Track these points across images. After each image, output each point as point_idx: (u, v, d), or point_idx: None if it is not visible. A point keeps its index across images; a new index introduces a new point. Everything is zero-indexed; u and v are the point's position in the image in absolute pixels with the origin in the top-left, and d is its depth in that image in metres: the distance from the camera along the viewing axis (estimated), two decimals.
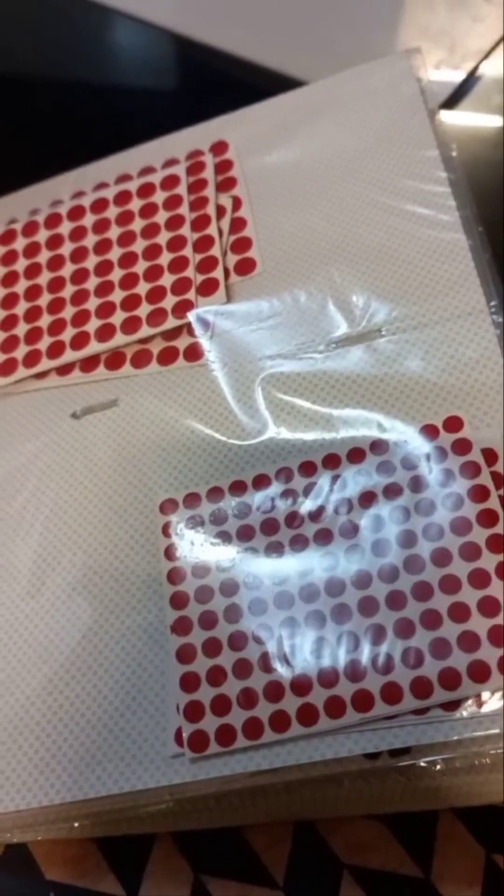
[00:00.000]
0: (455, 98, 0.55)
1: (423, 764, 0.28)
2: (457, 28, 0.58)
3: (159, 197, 0.41)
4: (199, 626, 0.31)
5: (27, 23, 0.64)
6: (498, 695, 0.27)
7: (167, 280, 0.39)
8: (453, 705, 0.27)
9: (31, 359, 0.39)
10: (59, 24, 0.64)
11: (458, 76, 0.56)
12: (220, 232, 0.40)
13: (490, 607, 0.28)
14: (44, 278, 0.41)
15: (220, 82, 0.56)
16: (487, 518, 0.29)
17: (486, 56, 0.57)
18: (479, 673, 0.27)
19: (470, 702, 0.27)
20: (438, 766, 0.28)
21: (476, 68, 0.56)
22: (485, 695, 0.27)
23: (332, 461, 0.33)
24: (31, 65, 0.62)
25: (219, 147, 0.43)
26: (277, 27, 0.58)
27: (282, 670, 0.29)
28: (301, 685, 0.29)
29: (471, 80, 0.55)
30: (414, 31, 0.59)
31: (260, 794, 0.31)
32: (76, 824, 0.31)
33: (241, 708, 0.29)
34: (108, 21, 0.62)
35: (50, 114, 0.59)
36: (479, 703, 0.27)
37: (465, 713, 0.27)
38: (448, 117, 0.52)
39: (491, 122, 0.54)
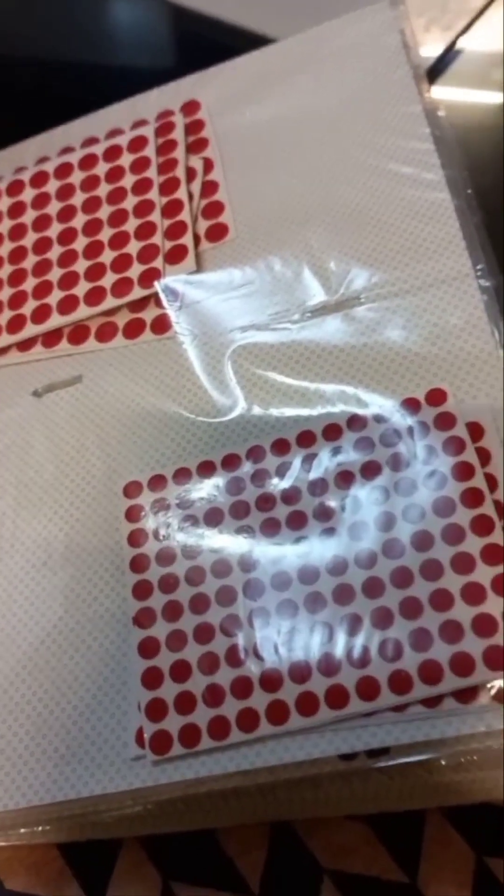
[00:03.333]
0: (441, 66, 0.52)
1: (404, 763, 0.26)
2: None
3: (126, 160, 0.39)
4: (163, 617, 0.29)
5: None
6: (484, 690, 0.25)
7: (133, 248, 0.36)
8: (435, 701, 0.25)
9: None
10: None
11: (448, 37, 0.53)
12: (191, 196, 0.37)
13: (474, 594, 0.26)
14: (4, 249, 0.39)
15: (192, 43, 0.53)
16: (472, 497, 0.27)
17: (475, 19, 0.54)
18: (463, 665, 0.25)
19: (453, 697, 0.25)
20: (423, 766, 0.26)
21: (463, 32, 0.53)
22: (469, 689, 0.25)
23: (306, 439, 0.30)
24: None
25: (190, 107, 0.40)
26: None
27: (250, 664, 0.27)
28: (271, 680, 0.26)
29: (455, 52, 0.52)
30: None
31: (232, 796, 0.29)
32: (37, 829, 0.29)
33: (207, 706, 0.27)
34: None
35: (13, 78, 0.56)
36: (464, 699, 0.25)
37: (448, 710, 0.25)
38: (440, 92, 0.50)
39: (485, 96, 0.51)
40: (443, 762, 0.26)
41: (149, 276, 0.35)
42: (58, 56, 0.57)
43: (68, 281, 0.37)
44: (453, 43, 0.53)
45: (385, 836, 0.31)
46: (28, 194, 0.40)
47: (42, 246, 0.38)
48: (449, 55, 0.52)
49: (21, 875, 0.31)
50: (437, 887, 0.30)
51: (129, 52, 0.56)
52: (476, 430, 0.28)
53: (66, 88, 0.54)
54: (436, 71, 0.51)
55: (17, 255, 0.38)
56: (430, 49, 0.52)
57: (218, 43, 0.52)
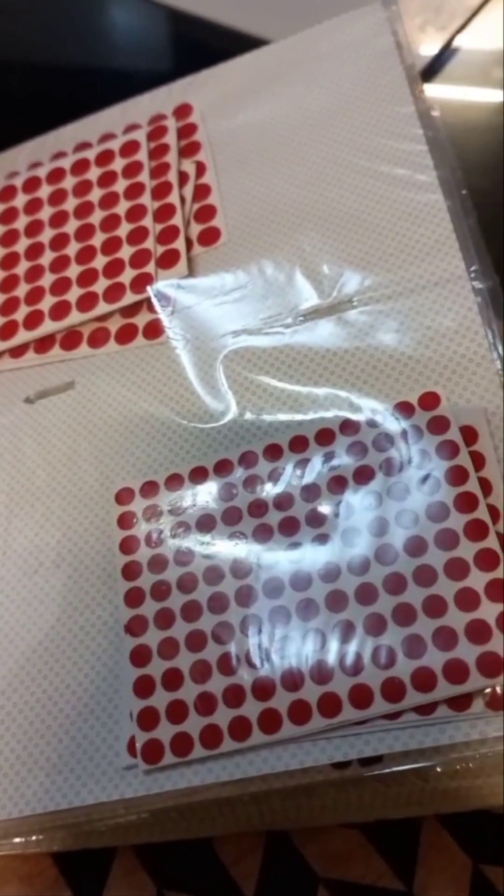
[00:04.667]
0: (438, 64, 0.52)
1: (397, 771, 0.26)
2: None
3: (118, 164, 0.39)
4: (155, 625, 0.28)
5: None
6: (478, 697, 0.25)
7: (126, 252, 0.36)
8: (429, 708, 0.25)
9: None
10: None
11: (445, 38, 0.53)
12: (183, 200, 0.37)
13: (468, 601, 0.25)
14: None
15: (185, 45, 0.53)
16: (466, 502, 0.27)
17: (471, 17, 0.54)
18: (457, 673, 0.25)
19: (447, 705, 0.25)
20: (418, 774, 0.26)
21: (460, 30, 0.53)
22: (463, 696, 0.25)
23: (299, 444, 0.30)
24: None
25: (182, 110, 0.40)
26: None
27: (243, 672, 0.27)
28: (263, 688, 0.26)
29: (451, 50, 0.52)
30: None
31: (225, 805, 0.29)
32: (31, 838, 0.29)
33: (199, 714, 0.27)
34: None
35: (13, 79, 0.56)
36: (458, 706, 0.25)
37: (441, 717, 0.25)
38: (440, 90, 0.49)
39: (485, 94, 0.50)
40: (437, 769, 0.26)
41: (141, 281, 0.35)
42: (52, 59, 0.57)
43: (61, 286, 0.36)
44: (450, 41, 0.52)
45: (381, 844, 0.31)
46: (20, 199, 0.40)
47: (34, 251, 0.38)
48: (446, 54, 0.52)
49: (15, 884, 0.31)
50: (434, 895, 0.30)
51: (122, 55, 0.56)
52: (470, 434, 0.28)
53: (60, 92, 0.54)
54: (433, 70, 0.51)
55: (9, 260, 0.38)
56: (426, 49, 0.52)
57: (211, 45, 0.51)
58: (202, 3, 0.54)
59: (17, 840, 0.29)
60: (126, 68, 0.55)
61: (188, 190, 0.37)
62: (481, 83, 0.50)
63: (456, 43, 0.52)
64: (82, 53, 0.57)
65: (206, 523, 0.30)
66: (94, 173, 0.39)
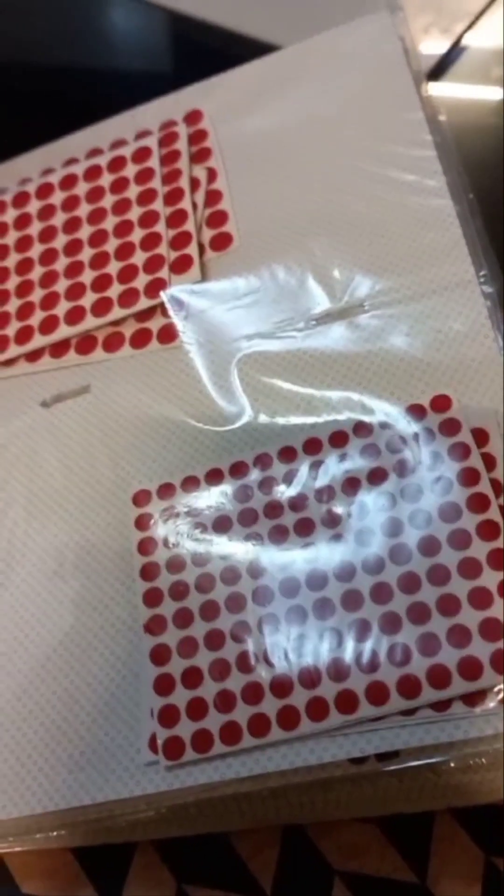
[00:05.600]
0: (445, 64, 0.52)
1: (413, 766, 0.26)
2: None
3: (130, 171, 0.39)
4: (174, 624, 0.29)
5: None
6: (492, 693, 0.25)
7: (139, 258, 0.37)
8: (444, 705, 0.25)
9: None
10: None
11: (448, 40, 0.53)
12: (195, 206, 0.37)
13: (481, 599, 0.26)
14: (11, 260, 0.39)
15: (193, 51, 0.54)
16: (478, 503, 0.27)
17: (478, 17, 0.54)
18: (471, 670, 0.25)
19: (461, 701, 0.25)
20: (432, 768, 0.27)
21: (468, 29, 0.53)
22: (477, 693, 0.25)
23: (313, 446, 0.31)
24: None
25: (192, 116, 0.40)
26: None
27: (261, 670, 0.27)
28: (281, 686, 0.27)
29: (458, 49, 0.53)
30: None
31: (244, 800, 0.29)
32: (52, 834, 0.30)
33: (219, 711, 0.27)
34: None
35: (20, 83, 0.56)
36: (472, 702, 0.25)
37: (456, 713, 0.25)
38: (441, 89, 0.50)
39: (485, 92, 0.51)
40: (451, 764, 0.26)
41: (155, 287, 0.36)
42: (60, 65, 0.57)
43: (75, 292, 0.37)
44: (458, 41, 0.53)
45: (395, 837, 0.31)
46: (34, 206, 0.40)
47: (48, 257, 0.39)
48: (452, 53, 0.52)
49: (36, 879, 0.32)
50: (447, 887, 0.30)
51: (131, 61, 0.56)
52: (481, 436, 0.29)
53: (68, 98, 0.54)
54: (438, 70, 0.52)
55: (24, 266, 0.39)
56: (430, 49, 0.52)
57: (219, 51, 0.52)
58: (209, 8, 0.54)
59: (38, 836, 0.30)
60: (132, 73, 0.56)
61: (200, 195, 0.38)
62: (481, 81, 0.51)
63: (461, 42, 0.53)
64: (88, 58, 0.57)
65: (222, 524, 0.30)
66: (106, 179, 0.40)
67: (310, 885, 0.31)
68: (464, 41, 0.52)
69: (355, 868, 0.31)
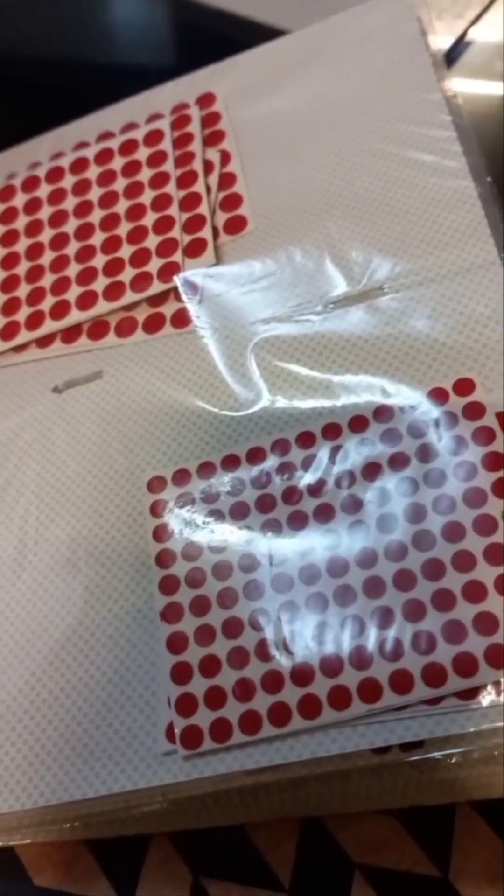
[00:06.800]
0: (450, 58, 0.51)
1: (437, 756, 0.26)
2: None
3: (142, 154, 0.39)
4: (191, 612, 0.28)
5: None
6: None
7: (152, 242, 0.36)
8: (470, 693, 0.25)
9: (9, 331, 0.37)
10: None
11: (462, 26, 0.53)
12: (208, 189, 0.37)
13: None
14: (21, 245, 0.39)
15: (205, 37, 0.53)
16: (503, 488, 0.27)
17: (484, 11, 0.53)
18: (498, 657, 0.25)
19: (488, 689, 0.25)
20: (454, 759, 0.26)
21: (472, 25, 0.52)
22: None
23: (332, 431, 0.30)
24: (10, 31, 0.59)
25: (206, 99, 0.40)
26: None
27: (281, 659, 0.27)
28: (302, 674, 0.26)
29: (464, 44, 0.52)
30: None
31: (262, 791, 0.29)
32: (66, 825, 0.29)
33: (238, 700, 0.27)
34: None
35: (31, 73, 0.56)
36: (499, 691, 0.25)
37: (483, 702, 0.25)
38: (453, 83, 0.49)
39: (488, 87, 0.50)
40: (475, 755, 0.26)
41: (168, 271, 0.35)
42: (69, 54, 0.57)
43: (87, 276, 0.36)
44: (465, 33, 0.52)
45: (415, 830, 0.31)
46: (44, 190, 0.40)
47: (59, 242, 0.38)
48: (459, 46, 0.51)
49: (50, 872, 0.31)
50: (469, 881, 0.30)
51: (141, 48, 0.56)
52: None
53: (77, 86, 0.54)
54: (448, 61, 0.51)
55: (35, 251, 0.38)
56: (442, 39, 0.51)
57: (231, 37, 0.51)
58: None
59: (52, 827, 0.29)
60: (142, 60, 0.55)
61: (213, 179, 0.37)
62: (485, 76, 0.50)
63: (467, 35, 0.52)
64: (98, 47, 0.56)
65: (239, 510, 0.30)
66: (118, 163, 0.39)
67: (329, 879, 0.30)
68: (472, 35, 0.52)
69: (375, 861, 0.30)
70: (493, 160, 0.37)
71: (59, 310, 0.36)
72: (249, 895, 0.30)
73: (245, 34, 0.50)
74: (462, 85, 0.49)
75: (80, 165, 0.40)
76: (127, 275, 0.36)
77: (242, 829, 0.31)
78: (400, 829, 0.31)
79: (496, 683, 0.25)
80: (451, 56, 0.52)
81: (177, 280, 0.35)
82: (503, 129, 0.47)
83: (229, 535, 0.29)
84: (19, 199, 0.40)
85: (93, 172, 0.39)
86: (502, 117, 0.48)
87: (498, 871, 0.30)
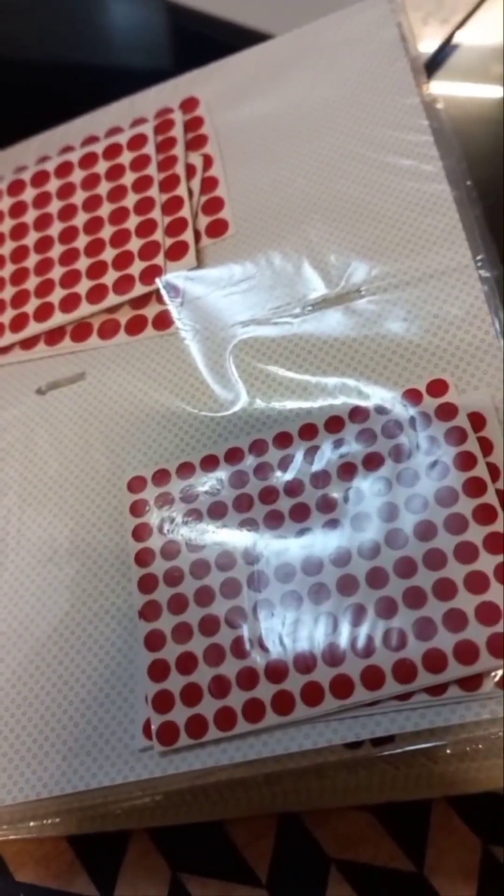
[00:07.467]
0: (437, 61, 0.52)
1: (409, 751, 0.26)
2: None
3: (126, 158, 0.39)
4: (169, 610, 0.29)
5: None
6: (489, 677, 0.25)
7: (134, 245, 0.37)
8: (439, 689, 0.25)
9: None
10: None
11: (447, 31, 0.53)
12: (191, 192, 0.37)
13: (477, 583, 0.26)
14: (6, 248, 0.39)
15: (190, 41, 0.53)
16: (474, 487, 0.27)
17: (469, 16, 0.54)
18: (467, 654, 0.25)
19: (458, 685, 0.25)
20: (428, 755, 0.26)
21: (458, 27, 0.53)
22: (473, 677, 0.25)
23: (308, 431, 0.30)
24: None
25: (189, 104, 0.40)
26: None
27: (256, 656, 0.27)
28: (276, 671, 0.27)
29: (451, 47, 0.52)
30: None
31: (239, 787, 0.29)
32: (46, 821, 0.30)
33: (213, 697, 0.27)
34: None
35: (18, 77, 0.56)
36: (468, 687, 0.25)
37: (452, 697, 0.25)
38: (440, 86, 0.50)
39: (484, 90, 0.50)
40: (447, 751, 0.26)
41: (150, 273, 0.36)
42: (56, 57, 0.57)
43: (70, 279, 0.37)
44: (450, 37, 0.52)
45: (391, 826, 0.31)
46: (29, 194, 0.40)
47: (44, 245, 0.38)
48: (447, 49, 0.52)
49: (31, 867, 0.31)
50: (443, 875, 0.30)
51: (126, 52, 0.56)
52: (477, 421, 0.28)
53: (64, 89, 0.54)
54: (433, 65, 0.51)
55: (19, 254, 0.39)
56: (428, 43, 0.52)
57: (215, 40, 0.52)
58: None
59: (32, 823, 0.30)
60: (128, 64, 0.56)
61: (196, 182, 0.38)
62: (481, 79, 0.51)
63: (456, 39, 0.52)
64: (85, 50, 0.57)
65: (217, 510, 0.30)
66: (102, 167, 0.39)
67: (305, 874, 0.31)
68: (463, 39, 0.52)
69: (351, 857, 0.31)
70: (479, 163, 0.37)
71: (43, 312, 0.37)
72: (227, 890, 0.30)
73: (229, 38, 0.51)
74: (447, 88, 0.50)
75: (64, 169, 0.40)
76: (110, 277, 0.36)
77: (220, 825, 0.31)
78: (376, 825, 0.31)
79: (465, 679, 0.25)
80: (437, 60, 0.52)
81: (159, 283, 0.35)
82: (489, 133, 0.48)
83: (207, 535, 0.30)
84: (5, 203, 0.40)
85: (77, 176, 0.40)
86: (487, 120, 0.49)
87: (472, 867, 0.30)
